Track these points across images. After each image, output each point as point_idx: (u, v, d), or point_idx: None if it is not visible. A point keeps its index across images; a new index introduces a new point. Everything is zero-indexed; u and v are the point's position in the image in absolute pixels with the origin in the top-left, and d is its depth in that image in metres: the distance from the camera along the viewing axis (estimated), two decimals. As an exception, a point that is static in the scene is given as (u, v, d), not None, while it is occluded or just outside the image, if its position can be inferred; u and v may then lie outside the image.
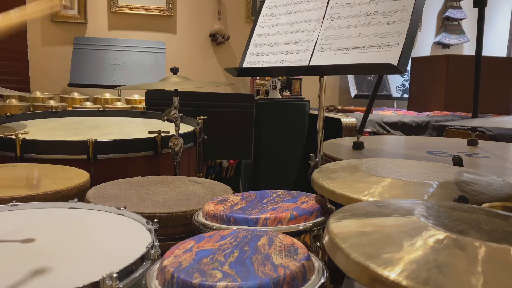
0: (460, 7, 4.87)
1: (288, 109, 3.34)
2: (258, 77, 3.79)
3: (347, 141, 2.08)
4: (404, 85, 4.67)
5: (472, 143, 2.04)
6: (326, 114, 3.30)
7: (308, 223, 0.96)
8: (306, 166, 1.17)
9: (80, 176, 1.35)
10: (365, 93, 4.44)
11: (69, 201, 1.07)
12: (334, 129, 3.11)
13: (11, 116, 2.15)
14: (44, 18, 3.65)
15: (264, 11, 1.76)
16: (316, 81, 1.54)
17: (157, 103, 2.62)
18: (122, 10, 3.81)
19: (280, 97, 3.65)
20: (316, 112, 1.65)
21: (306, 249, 0.75)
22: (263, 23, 1.73)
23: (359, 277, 0.51)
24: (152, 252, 0.79)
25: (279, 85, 3.60)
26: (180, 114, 1.67)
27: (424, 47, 4.92)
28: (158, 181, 1.43)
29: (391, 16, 1.33)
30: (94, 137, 1.60)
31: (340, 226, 0.62)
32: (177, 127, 1.68)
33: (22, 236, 0.87)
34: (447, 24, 4.89)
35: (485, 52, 2.55)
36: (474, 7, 1.99)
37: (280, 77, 3.69)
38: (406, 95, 4.60)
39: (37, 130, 1.97)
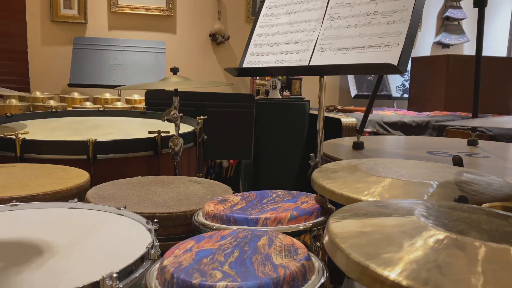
0: (460, 7, 4.87)
1: (288, 109, 3.34)
2: (258, 77, 3.79)
3: (347, 141, 2.08)
4: (404, 85, 4.67)
5: (472, 143, 2.04)
6: (326, 114, 3.30)
7: (308, 223, 0.96)
8: (306, 166, 1.17)
9: (80, 176, 1.34)
10: (365, 93, 4.44)
11: (69, 201, 1.07)
12: (334, 129, 3.11)
13: (11, 116, 2.14)
14: (44, 18, 3.65)
15: (264, 11, 1.76)
16: (316, 81, 1.54)
17: (157, 103, 2.62)
18: (122, 10, 3.81)
19: (280, 97, 3.64)
20: (316, 112, 1.65)
21: (306, 249, 0.75)
22: (263, 23, 1.73)
23: (359, 277, 0.51)
24: (152, 252, 0.79)
25: (279, 85, 3.59)
26: (180, 114, 1.67)
27: (424, 47, 4.92)
28: (158, 181, 1.43)
29: (391, 16, 1.33)
30: (94, 137, 1.60)
31: (340, 226, 0.62)
32: (177, 127, 1.68)
33: (21, 236, 0.87)
34: (447, 24, 4.89)
35: (485, 52, 2.55)
36: (474, 7, 1.99)
37: (280, 77, 3.69)
38: (406, 95, 4.60)
39: (37, 130, 1.97)
